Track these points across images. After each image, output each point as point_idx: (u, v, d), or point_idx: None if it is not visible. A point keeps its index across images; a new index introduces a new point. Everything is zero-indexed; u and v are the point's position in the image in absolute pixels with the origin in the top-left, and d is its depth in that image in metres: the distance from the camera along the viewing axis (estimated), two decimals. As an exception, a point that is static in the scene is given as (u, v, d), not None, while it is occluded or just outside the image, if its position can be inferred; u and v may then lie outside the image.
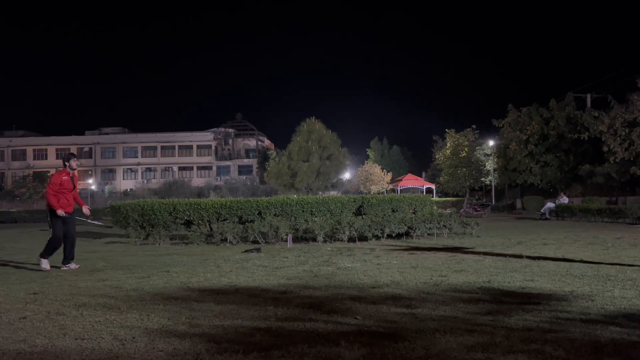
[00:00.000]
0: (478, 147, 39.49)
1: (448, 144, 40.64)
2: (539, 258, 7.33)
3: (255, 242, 10.69)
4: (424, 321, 3.70)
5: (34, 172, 57.79)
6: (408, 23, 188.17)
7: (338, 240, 10.66)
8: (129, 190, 57.10)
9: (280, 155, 39.05)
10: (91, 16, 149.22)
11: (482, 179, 39.19)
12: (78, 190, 7.64)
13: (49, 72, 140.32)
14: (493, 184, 39.24)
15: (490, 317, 3.79)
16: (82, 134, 66.78)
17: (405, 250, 8.91)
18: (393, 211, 13.59)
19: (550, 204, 21.96)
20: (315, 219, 12.69)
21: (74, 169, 7.37)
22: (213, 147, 64.83)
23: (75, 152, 64.15)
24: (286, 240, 10.44)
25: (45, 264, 7.01)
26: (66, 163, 7.30)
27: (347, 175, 39.14)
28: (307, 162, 28.71)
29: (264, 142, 68.66)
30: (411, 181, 44.58)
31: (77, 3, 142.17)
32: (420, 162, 63.35)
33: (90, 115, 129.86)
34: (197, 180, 58.28)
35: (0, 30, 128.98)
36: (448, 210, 18.87)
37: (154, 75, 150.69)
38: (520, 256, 7.58)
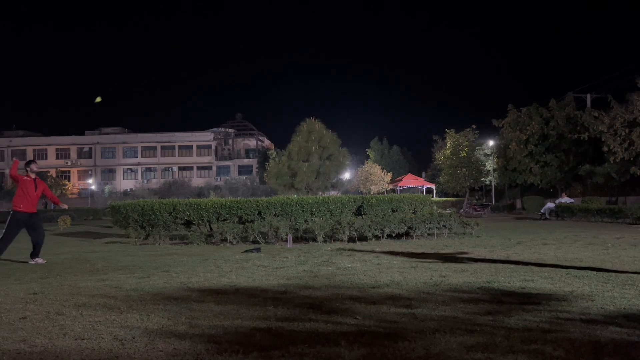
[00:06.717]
0: (478, 147, 39.44)
1: (448, 144, 40.58)
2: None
3: (255, 242, 10.69)
4: (424, 321, 3.70)
5: (33, 172, 57.74)
6: (408, 23, 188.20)
7: (338, 240, 10.66)
8: (129, 190, 57.07)
9: (280, 155, 38.97)
10: (91, 16, 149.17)
11: (482, 179, 39.14)
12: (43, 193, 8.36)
13: (49, 72, 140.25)
14: (493, 184, 39.24)
15: (490, 317, 3.79)
16: (82, 134, 66.82)
17: (405, 250, 8.91)
18: (393, 211, 13.59)
19: (550, 204, 21.93)
20: (315, 219, 12.68)
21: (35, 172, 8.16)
22: (213, 147, 64.86)
23: (75, 152, 64.39)
24: (286, 240, 10.44)
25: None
26: (27, 168, 8.08)
27: (347, 175, 39.12)
28: (307, 162, 28.65)
29: (264, 142, 68.68)
30: (411, 181, 44.59)
31: (77, 3, 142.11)
32: (420, 162, 63.45)
33: (90, 115, 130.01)
34: (197, 180, 58.29)
35: (0, 31, 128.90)
36: (448, 210, 18.86)
37: (154, 75, 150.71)
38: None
